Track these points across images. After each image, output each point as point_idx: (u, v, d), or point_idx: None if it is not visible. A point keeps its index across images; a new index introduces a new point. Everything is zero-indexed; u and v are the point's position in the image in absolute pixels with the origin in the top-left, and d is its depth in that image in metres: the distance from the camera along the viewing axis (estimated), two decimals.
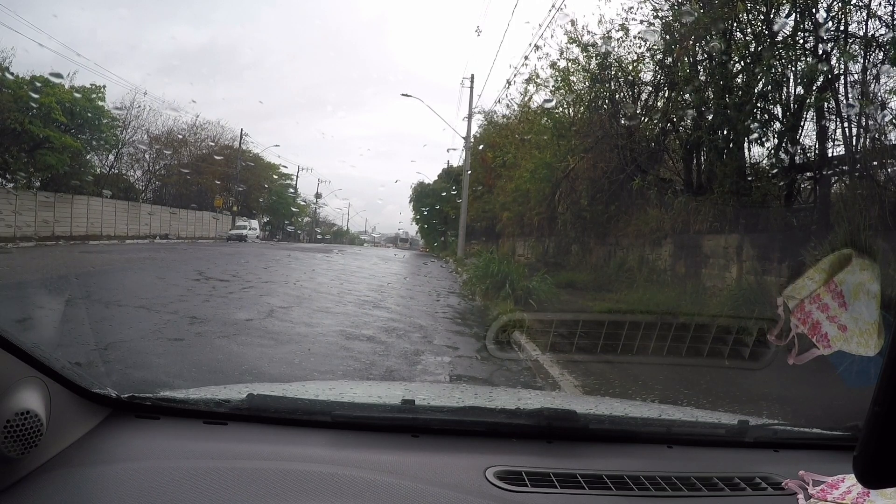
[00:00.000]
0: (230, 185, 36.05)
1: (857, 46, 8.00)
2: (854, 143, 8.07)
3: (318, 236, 56.98)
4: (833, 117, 8.47)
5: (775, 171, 9.43)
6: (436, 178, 33.83)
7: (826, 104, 8.37)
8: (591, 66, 12.52)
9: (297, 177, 49.59)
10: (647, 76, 12.38)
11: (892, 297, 1.62)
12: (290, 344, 6.15)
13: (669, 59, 11.02)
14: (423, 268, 22.61)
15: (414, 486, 1.27)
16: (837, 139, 8.52)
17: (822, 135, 8.60)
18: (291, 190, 45.88)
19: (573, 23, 12.64)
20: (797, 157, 9.07)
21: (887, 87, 7.83)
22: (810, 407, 4.30)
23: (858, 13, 8.10)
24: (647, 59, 11.81)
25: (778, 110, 9.33)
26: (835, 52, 8.33)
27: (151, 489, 1.15)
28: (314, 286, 12.14)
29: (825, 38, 8.41)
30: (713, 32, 9.44)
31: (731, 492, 1.41)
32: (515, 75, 28.20)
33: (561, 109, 14.60)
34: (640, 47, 11.64)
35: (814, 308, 1.56)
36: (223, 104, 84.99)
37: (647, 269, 11.58)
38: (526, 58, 18.91)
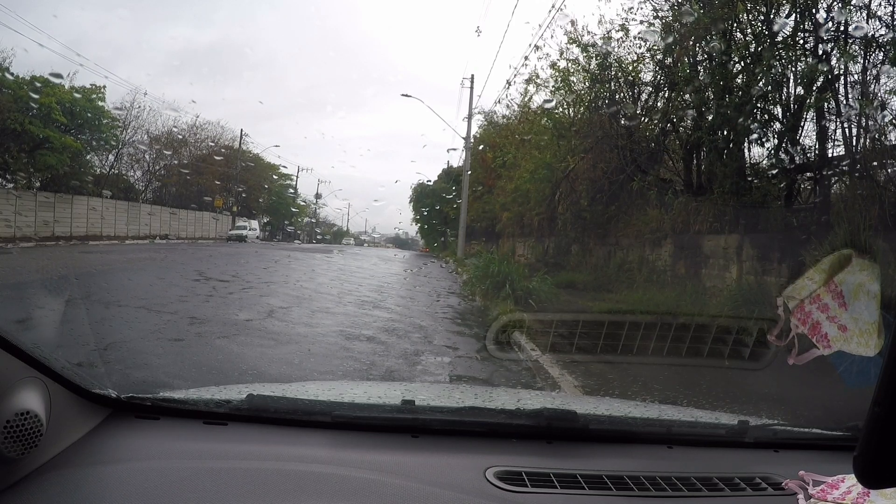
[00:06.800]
0: (230, 186, 36.03)
1: (857, 46, 8.00)
2: (854, 143, 8.08)
3: (318, 236, 56.97)
4: (833, 117, 8.47)
5: (775, 171, 9.43)
6: (436, 178, 33.77)
7: (826, 104, 8.37)
8: (591, 67, 12.53)
9: (297, 177, 49.58)
10: (647, 76, 12.39)
11: (892, 297, 1.62)
12: (290, 344, 6.15)
13: (669, 60, 11.02)
14: (423, 268, 22.61)
15: (414, 486, 1.27)
16: (837, 139, 8.54)
17: (822, 135, 8.60)
18: (291, 190, 45.85)
19: (573, 23, 12.63)
20: (797, 158, 9.07)
21: (887, 87, 7.84)
22: (810, 407, 4.30)
23: (858, 13, 8.11)
24: (647, 60, 11.83)
25: (778, 110, 9.34)
26: (835, 52, 8.33)
27: (151, 489, 1.15)
28: (314, 286, 12.14)
29: (825, 38, 8.41)
30: (713, 33, 9.44)
31: (731, 492, 1.41)
32: (515, 76, 28.24)
33: (561, 110, 14.60)
34: (640, 48, 11.66)
35: (814, 308, 1.56)
36: (223, 105, 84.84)
37: (647, 269, 11.58)
38: (526, 58, 18.95)
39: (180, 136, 31.75)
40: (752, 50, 9.22)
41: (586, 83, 13.01)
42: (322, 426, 1.53)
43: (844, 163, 8.23)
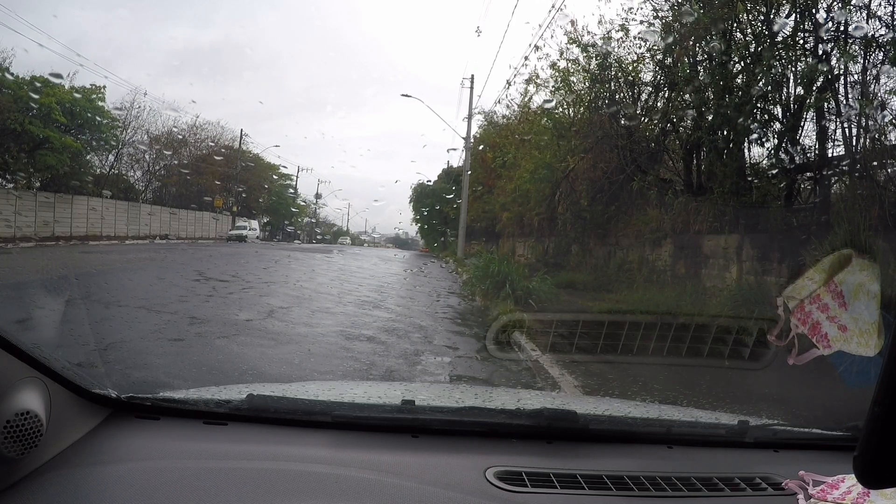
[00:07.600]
0: (230, 186, 36.03)
1: (857, 46, 8.00)
2: (854, 143, 8.08)
3: (318, 237, 56.94)
4: (833, 117, 8.47)
5: (775, 171, 9.43)
6: (436, 178, 33.75)
7: (826, 104, 8.37)
8: (591, 67, 12.53)
9: (297, 177, 49.57)
10: (647, 76, 12.39)
11: (892, 297, 1.62)
12: (290, 344, 6.15)
13: (669, 60, 11.02)
14: (423, 268, 22.60)
15: (414, 486, 1.27)
16: (837, 139, 8.54)
17: (822, 135, 8.60)
18: (291, 190, 45.85)
19: (573, 23, 12.62)
20: (797, 158, 9.07)
21: (887, 87, 7.84)
22: (811, 407, 4.30)
23: (858, 13, 8.11)
24: (647, 60, 11.83)
25: (778, 110, 9.35)
26: (835, 52, 8.33)
27: (151, 489, 1.15)
28: (314, 287, 12.14)
29: (825, 38, 8.41)
30: (713, 33, 9.44)
31: (731, 492, 1.41)
32: (515, 76, 28.23)
33: (561, 110, 14.60)
34: (640, 48, 11.66)
35: (814, 308, 1.56)
36: (223, 105, 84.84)
37: (647, 269, 11.58)
38: (526, 58, 18.95)
39: (180, 136, 31.76)
40: (752, 50, 9.22)
41: (586, 83, 13.01)
42: (322, 426, 1.53)
43: (844, 163, 8.24)
